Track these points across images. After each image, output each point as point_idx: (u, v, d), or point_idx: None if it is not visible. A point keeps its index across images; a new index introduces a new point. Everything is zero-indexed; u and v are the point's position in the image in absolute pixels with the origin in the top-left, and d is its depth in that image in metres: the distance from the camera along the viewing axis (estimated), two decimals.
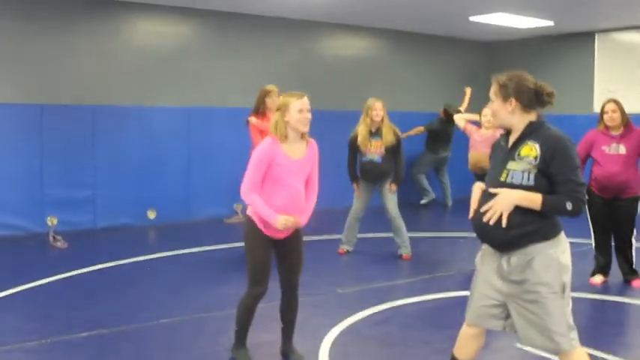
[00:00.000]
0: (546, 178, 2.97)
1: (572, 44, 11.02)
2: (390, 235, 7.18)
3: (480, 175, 6.83)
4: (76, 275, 6.22)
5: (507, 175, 3.03)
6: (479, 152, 6.61)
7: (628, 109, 5.97)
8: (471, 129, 6.92)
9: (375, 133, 6.85)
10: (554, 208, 2.97)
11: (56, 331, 4.61)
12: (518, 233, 2.99)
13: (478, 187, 3.23)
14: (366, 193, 7.09)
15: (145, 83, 8.90)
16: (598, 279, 6.09)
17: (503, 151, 3.14)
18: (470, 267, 6.56)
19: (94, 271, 6.40)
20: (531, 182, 2.98)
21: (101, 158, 8.59)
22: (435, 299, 5.58)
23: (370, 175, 6.94)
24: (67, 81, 8.34)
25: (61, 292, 5.72)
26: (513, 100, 3.05)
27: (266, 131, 6.73)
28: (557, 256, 3.04)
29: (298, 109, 3.80)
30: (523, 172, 2.99)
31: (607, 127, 5.81)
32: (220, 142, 9.33)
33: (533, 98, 3.07)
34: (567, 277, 3.07)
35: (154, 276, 6.33)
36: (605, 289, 5.97)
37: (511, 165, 3.04)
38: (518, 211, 2.97)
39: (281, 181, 3.82)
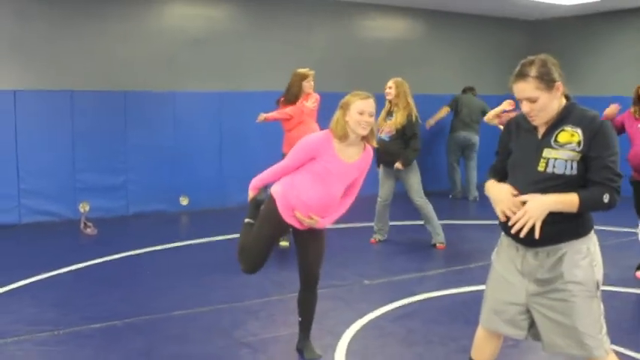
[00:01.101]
0: (586, 164, 2.67)
1: (622, 21, 10.41)
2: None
3: None
4: (100, 263, 6.13)
5: (547, 164, 2.70)
6: None
7: None
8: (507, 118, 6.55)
9: (390, 113, 6.67)
10: (592, 206, 2.65)
11: (70, 321, 4.51)
12: (553, 230, 2.68)
13: (508, 192, 2.79)
14: (388, 178, 6.83)
15: (176, 67, 8.77)
16: None
17: (533, 136, 2.79)
18: None
19: (118, 258, 6.32)
20: (575, 171, 2.67)
21: (133, 144, 8.51)
22: (466, 292, 5.30)
23: (379, 154, 6.66)
24: (97, 66, 8.26)
25: (81, 280, 5.64)
26: (560, 84, 2.71)
27: (296, 115, 6.56)
28: (591, 252, 2.75)
29: (359, 110, 3.53)
30: (567, 160, 2.67)
31: None
32: (253, 126, 9.10)
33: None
34: (601, 275, 2.78)
35: (179, 264, 6.20)
36: None
37: (549, 153, 2.70)
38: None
39: (320, 179, 3.59)
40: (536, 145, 2.76)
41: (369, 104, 3.55)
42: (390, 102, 6.66)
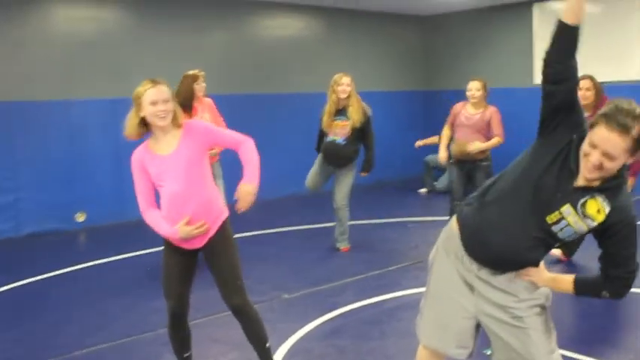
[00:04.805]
0: (595, 235, 2.44)
1: (510, 15, 10.67)
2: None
3: (464, 162, 6.31)
4: None
5: (558, 221, 2.38)
6: (462, 140, 6.24)
7: None
8: (456, 111, 6.45)
9: (341, 112, 6.26)
10: (588, 294, 2.52)
11: None
12: (521, 266, 2.54)
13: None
14: (321, 177, 6.54)
15: (65, 74, 8.12)
16: (556, 251, 5.68)
17: (569, 181, 2.35)
18: (423, 256, 6.21)
19: (10, 289, 5.73)
20: (574, 237, 2.48)
21: (22, 159, 7.83)
22: (390, 299, 5.13)
23: (330, 157, 6.35)
24: None
25: None
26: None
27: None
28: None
29: (150, 100, 3.21)
30: (577, 232, 2.39)
31: None
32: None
33: None
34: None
35: (79, 290, 5.67)
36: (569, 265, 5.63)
37: (568, 213, 2.35)
38: (542, 252, 2.52)
39: (160, 187, 3.30)
40: (563, 192, 2.36)
41: (160, 91, 3.25)
42: (338, 100, 6.24)
